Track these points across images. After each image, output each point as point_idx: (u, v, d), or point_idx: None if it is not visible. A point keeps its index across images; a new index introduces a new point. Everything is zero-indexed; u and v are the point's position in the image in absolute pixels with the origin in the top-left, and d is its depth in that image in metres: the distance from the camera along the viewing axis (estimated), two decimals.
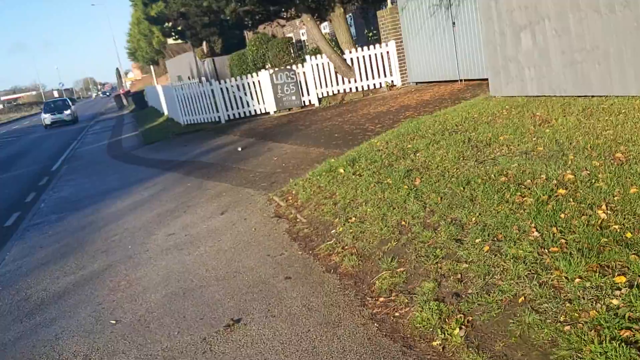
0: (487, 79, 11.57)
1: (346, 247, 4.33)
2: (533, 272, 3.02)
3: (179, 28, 13.30)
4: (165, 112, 21.91)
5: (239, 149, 10.74)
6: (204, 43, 36.74)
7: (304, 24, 27.55)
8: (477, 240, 3.52)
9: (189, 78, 36.58)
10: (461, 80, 12.20)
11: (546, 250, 3.16)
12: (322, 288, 3.86)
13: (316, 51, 24.03)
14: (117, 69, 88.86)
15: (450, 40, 12.02)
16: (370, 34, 16.15)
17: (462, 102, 9.49)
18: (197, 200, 7.54)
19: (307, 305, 3.63)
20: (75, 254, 6.35)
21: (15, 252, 7.12)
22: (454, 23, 11.79)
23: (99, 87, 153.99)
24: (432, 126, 7.24)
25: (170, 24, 13.39)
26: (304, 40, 28.36)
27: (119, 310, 4.37)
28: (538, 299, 2.79)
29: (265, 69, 28.98)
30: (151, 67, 58.91)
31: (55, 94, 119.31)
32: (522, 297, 2.84)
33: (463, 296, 3.08)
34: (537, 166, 4.51)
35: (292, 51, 27.56)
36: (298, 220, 5.43)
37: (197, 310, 4.01)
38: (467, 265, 3.30)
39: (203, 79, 32.66)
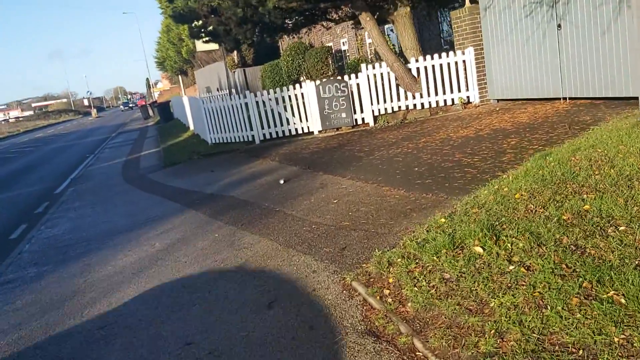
0: (603, 98, 8.96)
1: None
2: None
3: (210, 28, 10.97)
4: (191, 127, 19.68)
5: (281, 181, 8.27)
6: (235, 52, 34.75)
7: (345, 32, 25.19)
8: None
9: (217, 89, 34.60)
10: (565, 99, 9.55)
11: None
12: None
13: (359, 62, 21.55)
14: (147, 79, 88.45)
15: (553, 47, 9.40)
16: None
17: (591, 129, 6.88)
18: (228, 268, 5.04)
19: None
20: None
21: None
22: (559, 25, 9.18)
23: (129, 96, 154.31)
24: (595, 168, 4.63)
25: (200, 22, 11.07)
26: (344, 50, 25.99)
27: None
28: None
29: (301, 81, 26.76)
30: (179, 77, 57.48)
31: (85, 102, 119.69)
32: None
33: None
34: None
35: (330, 62, 25.20)
36: (422, 357, 2.86)
37: None
38: None
39: (233, 91, 30.56)
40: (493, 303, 2.96)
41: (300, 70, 26.77)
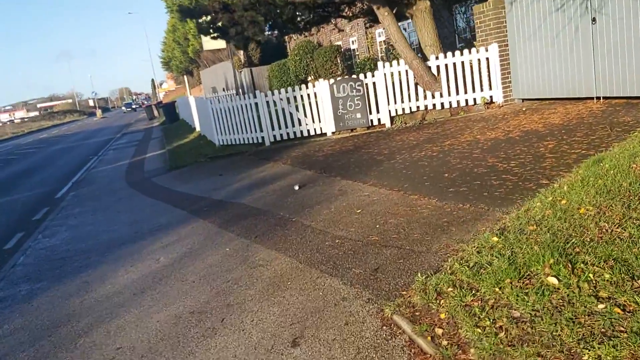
0: None
1: None
2: None
3: (220, 24, 10.36)
4: (197, 128, 19.11)
5: (296, 187, 7.65)
6: (242, 52, 34.20)
7: (355, 31, 24.55)
8: None
9: (223, 89, 34.06)
10: (598, 98, 8.89)
11: None
12: None
13: (369, 61, 20.93)
14: (152, 79, 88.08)
15: (586, 43, 8.75)
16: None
17: (638, 131, 6.22)
18: (242, 290, 4.42)
19: None
20: None
21: None
22: (594, 19, 8.53)
23: (134, 97, 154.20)
24: None
25: (209, 18, 10.46)
26: (353, 49, 25.36)
27: None
28: None
29: (308, 81, 26.14)
30: (185, 77, 57.03)
31: (91, 103, 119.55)
32: None
33: None
34: None
35: (339, 61, 24.60)
36: None
37: None
38: None
39: (240, 91, 29.96)
40: (587, 356, 2.33)
41: (308, 69, 26.19)
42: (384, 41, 22.59)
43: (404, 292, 3.61)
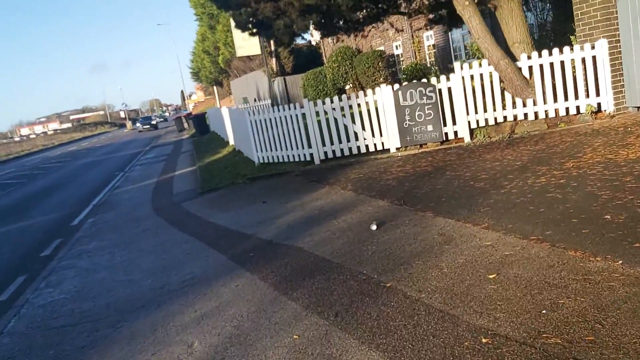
0: None
1: None
2: None
3: (260, 17, 8.57)
4: (231, 142, 17.40)
5: (373, 226, 5.69)
6: (274, 60, 32.65)
7: (399, 35, 22.60)
8: None
9: (255, 100, 32.52)
10: None
11: None
12: None
13: (414, 70, 18.90)
14: (181, 91, 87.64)
15: None
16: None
17: None
18: None
19: None
20: None
21: None
22: None
23: (164, 108, 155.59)
24: None
25: (249, 10, 8.68)
26: (397, 55, 23.41)
27: None
28: None
29: (347, 90, 24.28)
30: (214, 88, 55.95)
31: (122, 114, 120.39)
32: None
33: None
34: None
35: (381, 67, 22.68)
36: None
37: None
38: None
39: (269, 101, 28.30)
40: None
41: (347, 77, 24.35)
42: (433, 45, 20.62)
43: None
